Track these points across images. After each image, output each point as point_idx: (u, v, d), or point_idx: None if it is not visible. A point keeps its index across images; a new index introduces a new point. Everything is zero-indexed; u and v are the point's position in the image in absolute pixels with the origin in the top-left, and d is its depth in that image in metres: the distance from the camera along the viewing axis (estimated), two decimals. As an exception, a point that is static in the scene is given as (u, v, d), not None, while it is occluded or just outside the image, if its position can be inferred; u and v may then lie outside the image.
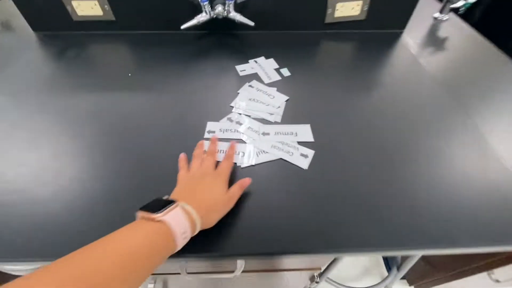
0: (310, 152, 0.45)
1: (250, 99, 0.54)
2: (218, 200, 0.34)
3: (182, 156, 0.42)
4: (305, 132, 0.48)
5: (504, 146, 0.45)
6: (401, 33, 0.75)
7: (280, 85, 0.58)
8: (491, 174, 0.42)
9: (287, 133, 0.48)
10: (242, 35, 0.74)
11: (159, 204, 0.28)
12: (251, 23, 0.64)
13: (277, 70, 0.62)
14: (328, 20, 0.72)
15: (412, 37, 0.74)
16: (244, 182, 0.38)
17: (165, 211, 0.28)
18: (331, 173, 0.42)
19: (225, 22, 0.68)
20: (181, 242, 0.29)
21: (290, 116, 0.51)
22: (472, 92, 0.56)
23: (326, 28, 0.74)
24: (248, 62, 0.64)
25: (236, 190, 0.37)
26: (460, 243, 0.35)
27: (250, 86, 0.58)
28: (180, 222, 0.28)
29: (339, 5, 0.69)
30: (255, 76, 0.61)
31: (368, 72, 0.63)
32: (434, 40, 0.73)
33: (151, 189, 0.38)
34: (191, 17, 0.66)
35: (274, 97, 0.55)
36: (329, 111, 0.52)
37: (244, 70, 0.62)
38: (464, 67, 0.64)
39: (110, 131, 0.48)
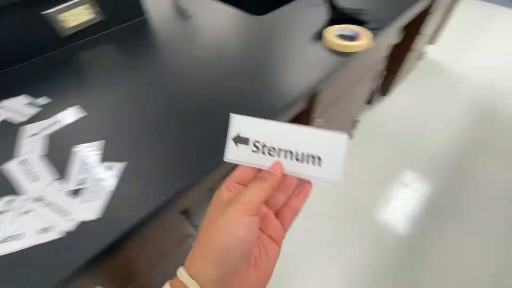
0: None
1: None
2: (232, 240, 0.21)
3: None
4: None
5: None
6: (145, 19, 0.79)
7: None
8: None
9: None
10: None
11: None
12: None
13: (29, 105, 0.55)
14: (65, 33, 0.67)
15: (160, 18, 0.80)
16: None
17: None
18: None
19: None
20: None
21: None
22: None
23: (68, 42, 0.69)
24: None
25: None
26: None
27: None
28: None
29: (64, 16, 0.65)
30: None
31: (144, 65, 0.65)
32: (179, 11, 0.82)
33: None
34: None
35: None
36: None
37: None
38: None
39: None
